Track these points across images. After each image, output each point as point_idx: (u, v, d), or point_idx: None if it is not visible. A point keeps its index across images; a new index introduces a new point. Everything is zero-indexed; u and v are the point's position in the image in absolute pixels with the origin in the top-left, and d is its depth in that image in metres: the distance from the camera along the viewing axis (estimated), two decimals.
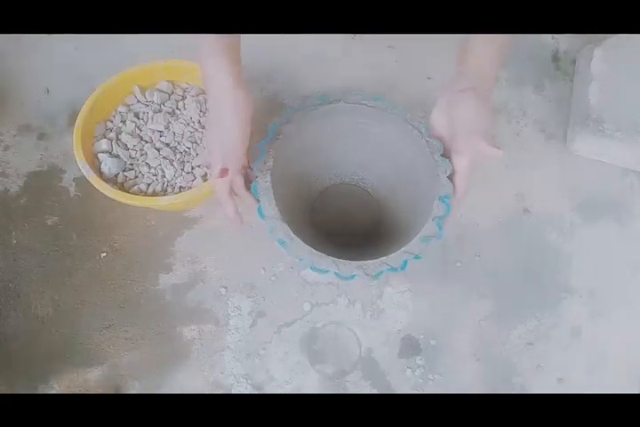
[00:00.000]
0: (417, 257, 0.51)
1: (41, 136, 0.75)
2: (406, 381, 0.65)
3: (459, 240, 0.71)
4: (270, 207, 0.52)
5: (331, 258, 0.50)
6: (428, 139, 0.56)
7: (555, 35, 0.84)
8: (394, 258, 0.51)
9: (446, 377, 0.65)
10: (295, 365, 0.65)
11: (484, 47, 0.50)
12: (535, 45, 0.83)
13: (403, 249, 0.51)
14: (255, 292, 0.67)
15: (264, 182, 0.52)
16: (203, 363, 0.65)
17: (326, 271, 0.50)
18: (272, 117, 0.75)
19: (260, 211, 0.52)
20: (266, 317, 0.66)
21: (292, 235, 0.51)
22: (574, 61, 0.82)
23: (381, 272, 0.50)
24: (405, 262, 0.51)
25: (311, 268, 0.50)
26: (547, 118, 0.79)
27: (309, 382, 0.65)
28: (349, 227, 0.70)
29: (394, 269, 0.50)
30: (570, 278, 0.70)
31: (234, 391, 0.64)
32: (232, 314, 0.66)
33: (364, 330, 0.66)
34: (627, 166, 0.75)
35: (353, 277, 0.50)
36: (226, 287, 0.68)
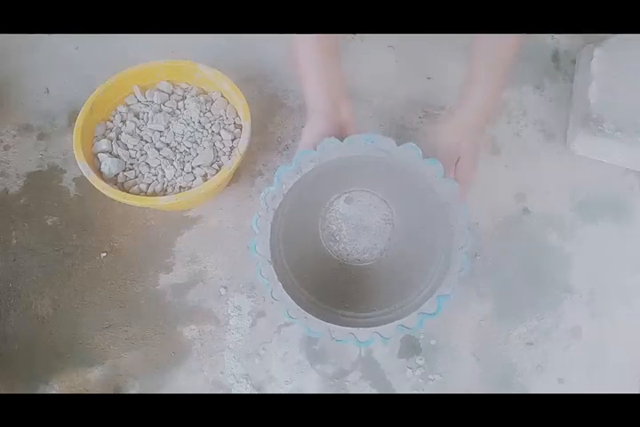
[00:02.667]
0: (411, 330, 0.51)
1: (41, 136, 0.75)
2: (406, 381, 0.65)
3: None
4: (263, 246, 0.51)
5: (303, 314, 0.51)
6: (441, 183, 0.51)
7: (555, 35, 0.84)
8: (387, 329, 0.51)
9: (446, 377, 0.65)
10: (295, 365, 0.65)
11: (484, 89, 0.58)
12: (535, 45, 0.83)
13: (397, 322, 0.51)
14: (255, 292, 0.67)
15: (265, 220, 0.51)
16: (203, 363, 0.65)
17: (295, 320, 0.51)
18: (272, 117, 0.76)
19: (253, 247, 0.52)
20: (266, 317, 0.66)
21: (276, 280, 0.51)
22: (574, 61, 0.82)
23: (371, 341, 0.51)
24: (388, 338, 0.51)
25: (284, 313, 0.51)
26: (547, 118, 0.79)
27: (309, 382, 0.64)
28: (360, 240, 0.66)
29: (385, 340, 0.51)
30: (570, 278, 0.70)
31: (234, 391, 0.63)
32: (232, 314, 0.66)
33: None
34: (627, 166, 0.75)
35: (343, 341, 0.51)
36: (226, 287, 0.67)
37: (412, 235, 0.63)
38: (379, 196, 0.65)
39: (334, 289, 0.60)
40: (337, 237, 0.65)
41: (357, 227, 0.65)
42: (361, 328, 0.51)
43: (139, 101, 0.67)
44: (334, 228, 0.65)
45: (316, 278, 0.58)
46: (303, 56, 0.56)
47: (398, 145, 0.50)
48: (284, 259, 0.56)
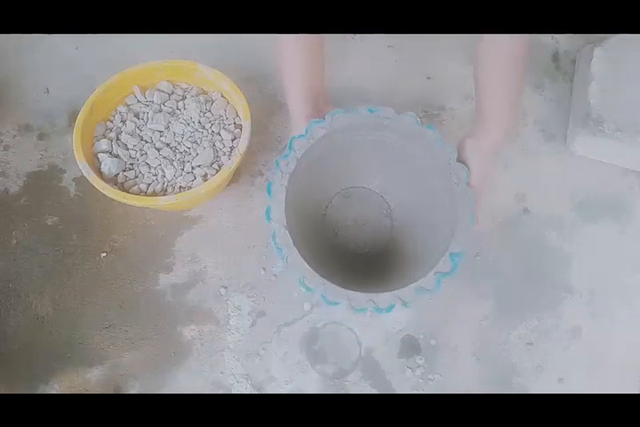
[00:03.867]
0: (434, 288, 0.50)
1: (41, 136, 0.75)
2: (406, 381, 0.65)
3: None
4: (278, 211, 0.51)
5: (321, 280, 0.49)
6: (440, 146, 0.54)
7: (555, 35, 0.84)
8: (406, 292, 0.50)
9: (446, 377, 0.65)
10: (295, 365, 0.65)
11: (503, 106, 0.57)
12: (535, 45, 0.83)
13: (415, 284, 0.50)
14: (255, 292, 0.67)
15: (280, 185, 0.51)
16: (203, 363, 0.65)
17: (311, 290, 0.50)
18: (272, 117, 0.75)
19: (267, 213, 0.51)
20: (266, 317, 0.66)
21: (292, 246, 0.50)
22: (574, 61, 0.82)
23: (392, 306, 0.50)
24: (417, 296, 0.50)
25: (300, 283, 0.50)
26: (547, 118, 0.79)
27: (309, 382, 0.65)
28: (361, 235, 0.69)
29: (405, 304, 0.50)
30: (570, 278, 0.70)
31: (234, 391, 0.63)
32: (232, 314, 0.66)
33: (364, 330, 0.66)
34: (627, 166, 0.75)
35: (362, 309, 0.50)
36: (226, 287, 0.67)
37: (414, 218, 0.65)
38: (376, 191, 0.69)
39: (343, 275, 0.58)
40: (337, 232, 0.68)
41: (357, 223, 0.68)
42: (381, 293, 0.49)
43: (139, 101, 0.67)
44: (336, 224, 0.68)
45: (324, 266, 0.56)
46: (284, 57, 0.56)
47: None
48: (295, 230, 0.54)
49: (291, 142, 0.52)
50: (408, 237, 0.66)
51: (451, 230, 0.52)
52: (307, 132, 0.53)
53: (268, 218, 0.51)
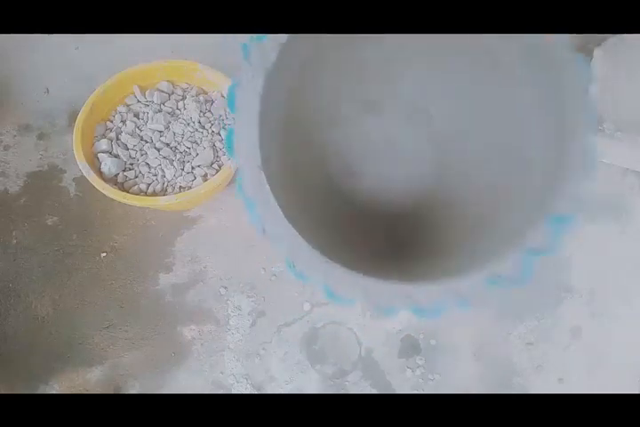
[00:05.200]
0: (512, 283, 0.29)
1: (41, 136, 0.75)
2: (406, 381, 0.65)
3: None
4: (247, 138, 0.29)
5: (322, 260, 0.29)
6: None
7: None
8: (469, 284, 0.29)
9: (446, 377, 0.65)
10: (295, 365, 0.65)
11: None
12: None
13: (486, 272, 0.29)
14: (255, 292, 0.67)
15: (251, 91, 0.29)
16: (203, 363, 0.65)
17: (305, 279, 0.30)
18: None
19: (228, 141, 0.30)
20: (266, 317, 0.66)
21: (271, 200, 0.28)
22: None
23: (443, 308, 0.30)
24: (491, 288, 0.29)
25: (288, 264, 0.30)
26: None
27: (309, 382, 0.64)
28: (388, 176, 0.42)
29: (463, 304, 0.29)
30: (570, 278, 0.70)
31: (234, 391, 0.63)
32: (232, 314, 0.66)
33: (363, 330, 0.66)
34: (627, 166, 0.75)
35: (391, 310, 0.30)
36: (226, 287, 0.67)
37: (481, 146, 0.39)
38: (418, 100, 0.40)
39: (359, 248, 0.38)
40: (354, 169, 0.42)
41: (386, 151, 0.41)
42: (424, 286, 0.28)
43: (139, 101, 0.67)
44: (351, 154, 0.42)
45: (323, 234, 0.35)
46: None
47: None
48: (280, 172, 0.33)
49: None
50: (466, 183, 0.40)
51: (550, 174, 0.31)
52: None
53: (229, 149, 0.30)
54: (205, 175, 0.64)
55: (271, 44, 0.30)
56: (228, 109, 0.67)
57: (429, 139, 0.40)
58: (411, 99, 0.39)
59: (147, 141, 0.65)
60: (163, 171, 0.64)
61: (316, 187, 0.39)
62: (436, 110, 0.40)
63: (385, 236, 0.40)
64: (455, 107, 0.40)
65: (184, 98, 0.68)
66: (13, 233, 0.69)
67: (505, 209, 0.33)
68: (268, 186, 0.28)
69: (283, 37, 0.31)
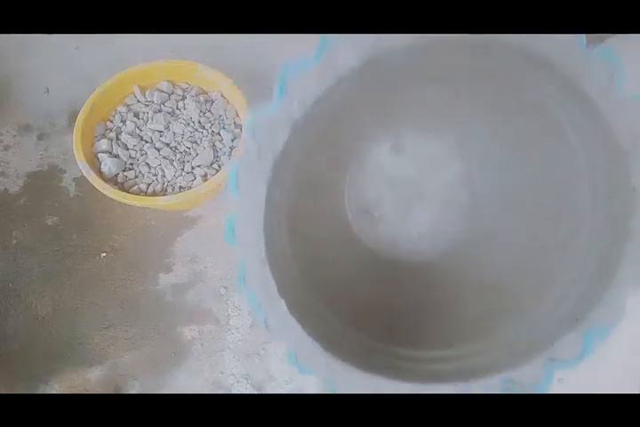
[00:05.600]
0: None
1: (41, 136, 0.75)
2: None
3: None
4: (250, 228, 0.27)
5: (328, 363, 0.26)
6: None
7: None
8: (483, 383, 0.24)
9: None
10: None
11: None
12: None
13: (500, 376, 0.24)
14: None
15: (255, 176, 0.27)
16: (203, 363, 0.65)
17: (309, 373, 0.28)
18: None
19: (229, 227, 0.28)
20: None
21: (276, 295, 0.27)
22: None
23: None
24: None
25: (290, 357, 0.30)
26: None
27: (310, 382, 0.64)
28: (417, 223, 0.37)
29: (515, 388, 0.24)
30: None
31: (234, 391, 0.63)
32: (232, 314, 0.66)
33: None
34: None
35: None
36: (226, 287, 0.67)
37: (515, 199, 0.35)
38: (448, 140, 0.37)
39: (372, 306, 0.35)
40: (375, 214, 0.39)
41: (411, 195, 0.39)
42: (466, 376, 0.25)
43: (139, 101, 0.67)
44: (371, 196, 0.39)
45: (339, 288, 0.34)
46: None
47: None
48: (290, 252, 0.32)
49: (283, 76, 0.26)
50: (505, 230, 0.36)
51: (608, 220, 0.25)
52: (317, 50, 0.26)
53: (230, 237, 0.27)
54: (205, 175, 0.64)
55: (284, 120, 0.25)
56: (226, 111, 0.67)
57: (464, 184, 0.36)
58: (444, 142, 0.36)
59: (147, 141, 0.65)
60: (163, 171, 0.64)
61: (326, 243, 0.36)
62: (472, 154, 0.37)
63: (404, 298, 0.36)
64: (494, 148, 0.37)
65: (184, 98, 0.68)
66: (13, 233, 0.69)
67: (558, 263, 0.27)
68: (273, 280, 0.27)
69: (309, 98, 0.25)
